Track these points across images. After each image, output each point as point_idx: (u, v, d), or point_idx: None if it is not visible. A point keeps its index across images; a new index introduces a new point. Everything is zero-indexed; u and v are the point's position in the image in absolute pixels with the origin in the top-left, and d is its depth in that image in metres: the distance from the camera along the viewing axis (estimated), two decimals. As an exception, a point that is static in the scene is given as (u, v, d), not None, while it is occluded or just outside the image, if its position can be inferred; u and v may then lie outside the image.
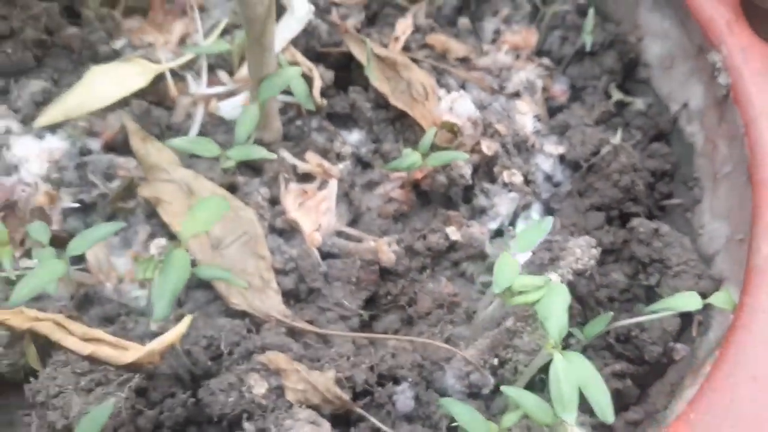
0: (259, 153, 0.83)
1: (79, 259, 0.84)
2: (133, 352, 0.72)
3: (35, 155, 0.90)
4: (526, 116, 1.03)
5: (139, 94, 0.98)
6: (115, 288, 0.84)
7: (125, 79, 0.97)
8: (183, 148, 0.83)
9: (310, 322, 0.85)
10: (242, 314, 0.83)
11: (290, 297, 0.87)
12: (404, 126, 1.02)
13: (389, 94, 1.01)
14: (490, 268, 0.95)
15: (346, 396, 0.76)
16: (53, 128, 0.94)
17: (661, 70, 1.12)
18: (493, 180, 0.99)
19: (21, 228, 0.87)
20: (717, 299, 0.80)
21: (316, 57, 1.06)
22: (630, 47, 1.12)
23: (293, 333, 0.83)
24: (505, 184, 0.98)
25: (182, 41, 1.07)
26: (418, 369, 0.81)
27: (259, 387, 0.73)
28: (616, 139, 1.01)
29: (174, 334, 0.72)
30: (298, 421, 0.70)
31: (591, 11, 1.08)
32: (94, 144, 0.94)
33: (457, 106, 1.00)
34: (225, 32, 1.07)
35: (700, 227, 0.98)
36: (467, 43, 1.13)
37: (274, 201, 0.92)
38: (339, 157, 0.98)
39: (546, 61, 1.12)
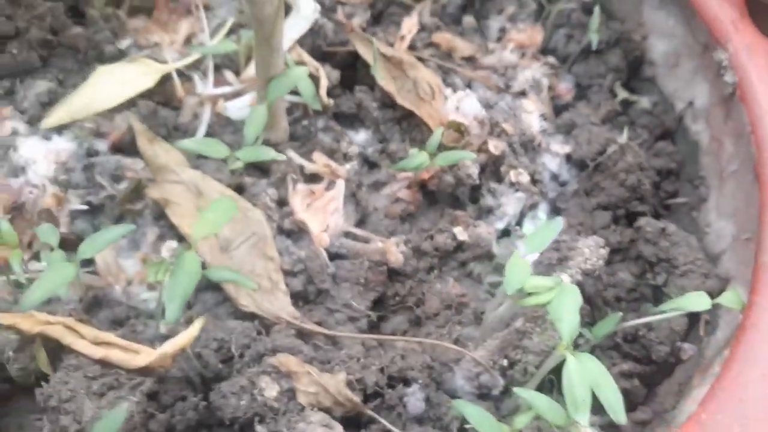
0: (268, 154, 0.83)
1: (87, 261, 0.84)
2: (144, 356, 0.72)
3: (42, 157, 0.90)
4: (533, 115, 1.03)
5: (146, 95, 0.97)
6: (124, 290, 0.84)
7: (131, 79, 0.96)
8: (192, 150, 0.83)
9: (319, 324, 0.85)
10: (251, 316, 0.83)
11: (299, 298, 0.87)
12: (411, 125, 1.02)
13: (396, 93, 1.01)
14: (497, 269, 0.95)
15: (357, 398, 0.76)
16: (60, 129, 0.94)
17: (666, 69, 1.12)
18: (499, 179, 0.99)
19: (29, 230, 0.87)
20: (726, 299, 0.80)
21: (321, 56, 1.06)
22: (635, 45, 1.12)
23: (302, 335, 0.83)
24: (511, 184, 0.98)
25: (188, 41, 1.06)
26: (428, 370, 0.81)
27: (270, 390, 0.73)
28: (623, 138, 1.01)
29: (186, 337, 0.72)
30: (311, 424, 0.70)
31: (597, 9, 1.08)
32: (101, 145, 0.94)
33: (464, 106, 1.00)
34: (231, 32, 1.07)
35: (706, 226, 0.98)
36: (473, 42, 1.12)
37: (282, 202, 0.92)
38: (346, 157, 0.98)
39: (551, 59, 1.12)
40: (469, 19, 1.16)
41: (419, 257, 0.93)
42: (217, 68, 1.02)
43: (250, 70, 1.02)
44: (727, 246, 0.93)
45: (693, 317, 0.90)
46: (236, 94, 1.00)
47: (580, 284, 0.85)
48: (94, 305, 0.84)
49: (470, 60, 1.10)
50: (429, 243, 0.93)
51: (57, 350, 0.75)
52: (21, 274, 0.76)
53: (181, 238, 0.87)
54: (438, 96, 1.00)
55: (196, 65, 1.02)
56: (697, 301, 0.78)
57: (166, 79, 0.99)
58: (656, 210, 1.03)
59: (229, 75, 1.02)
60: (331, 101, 1.01)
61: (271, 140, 0.96)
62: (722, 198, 0.97)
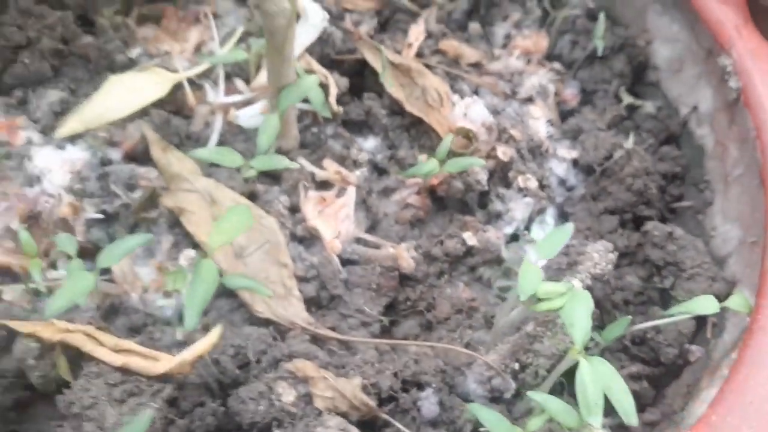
0: (282, 163, 0.84)
1: (103, 270, 0.85)
2: (164, 363, 0.73)
3: (57, 166, 0.91)
4: (539, 121, 1.04)
5: (158, 104, 0.98)
6: (141, 298, 0.85)
7: (144, 88, 0.97)
8: (207, 159, 0.85)
9: (333, 329, 0.87)
10: (266, 322, 0.84)
11: (312, 304, 0.89)
12: (419, 132, 1.03)
13: (404, 100, 1.02)
14: (506, 273, 0.97)
15: (373, 402, 0.77)
16: (73, 138, 0.95)
17: (670, 73, 1.13)
18: (508, 185, 1.00)
19: (45, 239, 0.88)
20: (733, 302, 0.81)
21: (330, 64, 1.07)
22: (639, 51, 1.14)
23: (316, 340, 0.84)
24: (520, 189, 0.99)
25: (198, 49, 1.07)
26: (441, 374, 0.82)
27: (287, 395, 0.74)
28: (629, 143, 1.03)
29: (205, 343, 0.73)
30: (329, 429, 0.71)
31: (602, 16, 1.09)
32: (115, 154, 0.95)
33: (471, 112, 1.02)
34: (240, 40, 1.08)
35: (712, 229, 0.99)
36: (479, 48, 1.14)
37: (294, 209, 0.93)
38: (356, 164, 1.00)
39: (557, 65, 1.13)
40: (474, 26, 1.17)
41: (430, 262, 0.94)
42: (228, 77, 1.04)
43: (261, 78, 1.03)
44: (733, 249, 0.94)
45: (700, 320, 0.91)
46: (247, 103, 1.01)
47: (589, 288, 0.87)
48: (111, 313, 0.85)
49: (476, 66, 1.12)
50: (439, 248, 0.94)
51: (77, 358, 0.77)
52: (41, 283, 0.77)
53: (195, 246, 0.88)
54: (446, 103, 1.01)
55: (207, 74, 1.03)
56: (706, 304, 0.79)
57: (177, 87, 1.00)
58: (662, 214, 1.04)
59: (239, 83, 1.03)
60: (341, 109, 1.02)
61: (282, 148, 0.97)
62: (727, 202, 0.98)
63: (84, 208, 0.89)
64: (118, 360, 0.73)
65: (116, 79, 0.99)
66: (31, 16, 1.05)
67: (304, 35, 1.03)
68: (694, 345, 0.91)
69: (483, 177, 0.97)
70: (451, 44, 1.11)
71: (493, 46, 1.16)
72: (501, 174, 1.00)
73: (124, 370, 0.74)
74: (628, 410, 0.68)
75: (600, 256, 0.86)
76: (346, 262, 0.92)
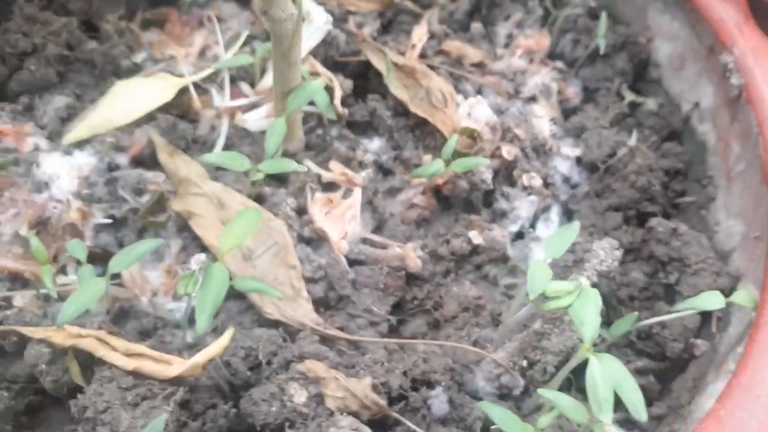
0: (290, 166, 0.85)
1: (113, 274, 0.85)
2: (177, 366, 0.74)
3: (65, 172, 0.92)
4: (543, 120, 1.05)
5: (164, 108, 0.99)
6: (150, 301, 0.86)
7: (150, 93, 0.98)
8: (216, 163, 0.85)
9: (341, 329, 0.87)
10: (275, 323, 0.85)
11: (320, 305, 0.89)
12: (424, 133, 1.04)
13: (409, 101, 1.03)
14: (512, 271, 0.97)
15: (383, 402, 0.78)
16: (80, 144, 0.96)
17: (672, 71, 1.14)
18: (512, 183, 1.01)
19: (54, 244, 0.89)
20: (739, 297, 0.82)
21: (334, 66, 1.08)
22: (640, 48, 1.15)
23: (326, 340, 0.85)
24: (524, 188, 1.00)
25: (202, 53, 1.08)
26: (450, 373, 0.83)
27: (299, 396, 0.75)
28: (632, 140, 1.03)
29: (218, 346, 0.74)
30: (342, 429, 0.71)
31: (604, 15, 1.10)
32: (122, 159, 0.95)
33: (475, 112, 1.02)
34: (244, 43, 1.08)
35: (715, 224, 1.00)
36: (481, 48, 1.14)
37: (301, 211, 0.94)
38: (361, 165, 1.00)
39: (559, 64, 1.14)
40: (477, 26, 1.18)
41: (436, 261, 0.95)
42: (233, 80, 1.04)
43: (266, 82, 1.04)
44: (736, 244, 0.95)
45: (705, 314, 0.92)
46: (253, 106, 1.01)
47: (595, 285, 0.87)
48: (121, 317, 0.86)
49: (479, 66, 1.12)
50: (445, 247, 0.94)
51: (88, 362, 0.77)
52: (53, 289, 0.78)
53: (204, 249, 0.89)
54: (450, 103, 1.02)
55: (212, 78, 1.04)
56: (711, 300, 0.80)
57: (182, 92, 1.01)
58: (665, 210, 1.05)
59: (244, 87, 1.03)
60: (346, 111, 1.02)
61: (289, 150, 0.98)
62: (730, 197, 0.99)
63: (92, 214, 0.90)
64: (130, 364, 0.74)
65: (122, 85, 1.00)
66: (36, 23, 1.06)
67: (309, 38, 1.03)
68: (699, 339, 0.92)
69: (488, 176, 0.98)
70: (454, 45, 1.11)
71: (496, 46, 1.17)
72: (506, 173, 1.01)
73: (137, 374, 0.74)
74: (638, 406, 0.69)
75: (606, 253, 0.87)
76: (353, 262, 0.93)
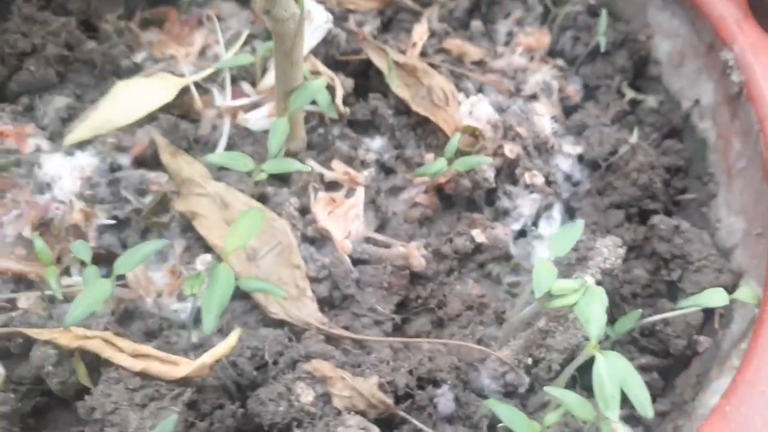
0: (294, 166, 0.85)
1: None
2: (184, 367, 0.74)
3: (67, 173, 0.91)
4: (544, 118, 1.05)
5: (165, 108, 0.99)
6: (155, 302, 0.86)
7: (151, 93, 0.98)
8: (219, 164, 0.85)
9: (346, 328, 0.87)
10: (280, 323, 0.85)
11: (325, 304, 0.89)
12: (426, 131, 1.04)
13: (410, 100, 1.03)
14: (515, 269, 0.98)
15: (390, 400, 0.78)
16: (82, 145, 0.95)
17: (671, 68, 1.14)
18: (515, 182, 1.01)
19: (57, 245, 0.88)
20: (742, 294, 0.83)
21: (335, 65, 1.08)
22: (640, 46, 1.15)
23: (331, 340, 0.85)
24: (526, 186, 1.00)
25: (203, 52, 1.08)
26: (456, 371, 0.83)
27: (306, 395, 0.75)
28: (633, 138, 1.04)
29: (225, 347, 0.74)
30: (350, 428, 0.72)
31: (604, 12, 1.10)
32: (124, 159, 0.95)
33: (477, 110, 1.02)
34: (244, 42, 1.08)
35: (717, 221, 1.01)
36: (481, 46, 1.15)
37: (304, 210, 0.94)
38: (363, 164, 1.00)
39: (560, 61, 1.14)
40: (477, 24, 1.18)
41: (439, 260, 0.95)
42: (234, 80, 1.04)
43: (266, 81, 1.04)
44: (738, 241, 0.95)
45: (708, 311, 0.92)
46: (254, 106, 1.01)
47: (598, 283, 0.88)
48: (126, 317, 0.86)
49: (480, 64, 1.13)
50: (448, 246, 0.95)
51: (95, 363, 0.77)
52: (58, 291, 0.78)
53: (208, 250, 0.89)
54: (452, 102, 1.02)
55: (213, 77, 1.04)
56: (715, 297, 0.80)
57: (183, 92, 1.01)
58: (667, 207, 1.06)
59: (245, 86, 1.03)
60: (347, 110, 1.02)
61: (291, 150, 0.97)
62: (731, 194, 1.00)
63: (95, 214, 0.90)
64: (137, 365, 0.74)
65: (123, 85, 1.00)
66: (35, 23, 1.05)
67: (309, 37, 1.03)
68: (702, 336, 0.92)
69: (490, 174, 0.98)
70: (455, 43, 1.11)
71: (496, 44, 1.17)
72: (508, 171, 1.01)
73: (144, 375, 0.74)
74: (644, 404, 0.70)
75: (609, 251, 0.87)
76: (356, 261, 0.93)
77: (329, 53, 1.07)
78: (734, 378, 0.75)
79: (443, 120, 1.01)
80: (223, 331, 0.82)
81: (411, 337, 0.91)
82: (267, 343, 0.80)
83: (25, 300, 0.83)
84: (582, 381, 0.86)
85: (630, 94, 1.14)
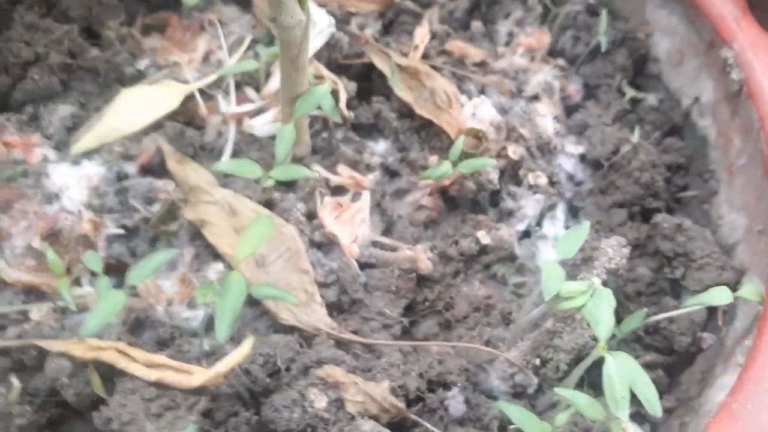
0: (301, 173, 0.86)
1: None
2: (199, 376, 0.74)
3: (75, 182, 0.92)
4: (546, 118, 1.06)
5: (170, 115, 0.99)
6: (166, 311, 0.86)
7: (156, 101, 0.98)
8: (228, 172, 0.86)
9: (355, 332, 0.88)
10: (291, 329, 0.86)
11: (333, 309, 0.90)
12: (429, 134, 1.05)
13: (414, 103, 1.03)
14: (520, 269, 0.99)
15: (402, 404, 0.79)
16: (88, 154, 0.96)
17: (671, 66, 1.15)
18: (518, 183, 1.02)
19: (66, 255, 0.89)
20: (745, 292, 0.84)
21: (338, 69, 1.08)
22: (640, 44, 1.16)
23: (340, 344, 0.86)
24: (530, 186, 1.01)
25: (206, 58, 1.08)
26: (465, 373, 0.84)
27: (319, 401, 0.76)
28: (635, 137, 1.05)
29: (239, 355, 0.75)
30: (364, 433, 0.73)
31: (604, 12, 1.11)
32: (131, 168, 0.95)
33: (480, 112, 1.03)
34: (246, 47, 1.09)
35: (718, 218, 1.02)
36: (482, 47, 1.15)
37: (311, 215, 0.95)
38: (368, 168, 1.01)
39: (561, 61, 1.15)
40: (477, 24, 1.19)
41: (445, 262, 0.96)
42: (238, 85, 1.04)
43: (270, 86, 1.04)
44: (740, 238, 0.97)
45: (711, 308, 0.93)
46: (259, 111, 1.02)
47: (604, 283, 0.89)
48: (137, 327, 0.86)
49: (481, 65, 1.13)
50: (454, 248, 0.96)
51: (109, 374, 0.78)
52: (71, 302, 0.78)
53: (216, 257, 0.90)
54: (455, 104, 1.03)
55: (217, 83, 1.04)
56: (719, 295, 0.82)
57: (188, 98, 1.01)
58: (668, 204, 1.07)
59: (250, 92, 1.04)
60: (351, 114, 1.03)
61: (296, 155, 0.98)
62: (732, 191, 1.01)
63: (104, 224, 0.90)
64: (152, 375, 0.75)
65: (128, 93, 1.00)
66: (37, 31, 1.05)
67: (313, 42, 1.03)
68: (706, 333, 0.94)
69: (495, 176, 0.99)
70: (457, 44, 1.12)
71: (497, 45, 1.17)
72: (511, 172, 1.02)
73: (159, 385, 0.75)
74: (652, 402, 0.71)
75: (614, 251, 0.88)
76: (364, 265, 0.94)
77: (332, 57, 1.08)
78: (740, 376, 0.76)
79: (447, 122, 1.01)
80: (234, 339, 0.83)
81: (419, 339, 0.92)
82: (279, 350, 0.81)
83: (37, 312, 0.84)
84: (589, 380, 0.87)
85: (630, 92, 1.15)
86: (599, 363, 0.73)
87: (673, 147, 1.09)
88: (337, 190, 0.99)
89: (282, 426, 0.75)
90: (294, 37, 0.81)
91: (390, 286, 0.92)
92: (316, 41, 1.04)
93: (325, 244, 0.94)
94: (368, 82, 1.10)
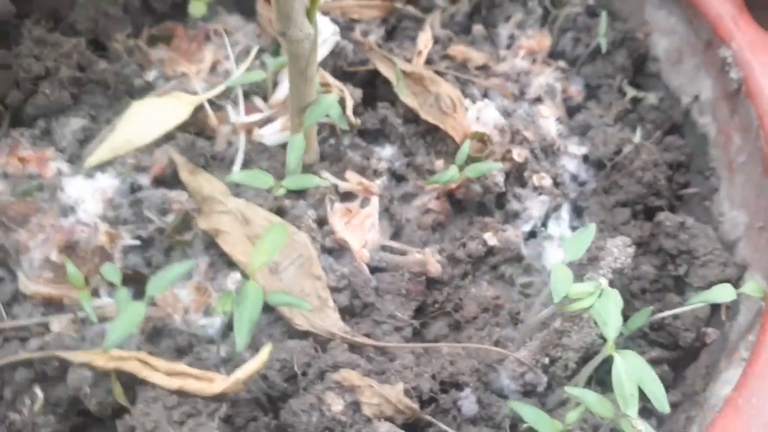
0: (313, 182, 0.88)
1: (142, 294, 0.88)
2: (219, 383, 0.76)
3: (90, 195, 0.93)
4: (549, 120, 1.08)
5: (181, 126, 1.01)
6: (183, 319, 0.88)
7: (166, 113, 1.00)
8: (241, 182, 0.88)
9: (368, 336, 0.90)
10: (305, 334, 0.88)
11: (346, 313, 0.92)
12: (435, 139, 1.06)
13: (419, 108, 1.05)
14: (527, 270, 1.01)
15: (416, 405, 0.81)
16: (102, 166, 0.97)
17: (670, 65, 1.17)
18: (523, 184, 1.04)
19: (83, 267, 0.90)
20: (748, 288, 0.86)
21: (343, 76, 1.10)
22: (639, 44, 1.18)
23: (354, 348, 0.88)
24: (535, 188, 1.03)
25: (213, 68, 1.10)
26: (476, 374, 0.86)
27: (336, 404, 0.78)
28: (637, 137, 1.07)
29: (257, 362, 0.77)
30: (381, 435, 0.75)
31: (604, 15, 1.13)
32: (144, 179, 0.97)
33: (484, 116, 1.05)
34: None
35: (719, 215, 1.04)
36: (484, 51, 1.17)
37: (321, 222, 0.97)
38: (376, 173, 1.03)
39: (561, 63, 1.17)
40: (478, 28, 1.20)
41: (454, 264, 0.98)
42: (246, 95, 1.06)
43: (278, 95, 1.06)
44: (741, 234, 0.99)
45: (715, 304, 0.95)
46: (267, 120, 1.03)
47: (610, 282, 0.91)
48: (154, 335, 0.88)
49: (484, 68, 1.15)
50: (462, 250, 0.98)
51: (130, 383, 0.80)
52: (92, 314, 0.80)
53: (231, 265, 0.92)
54: (459, 108, 1.04)
55: (225, 93, 1.06)
56: (723, 293, 0.84)
57: (198, 109, 1.03)
58: (670, 202, 1.09)
59: (258, 101, 1.05)
60: (358, 120, 1.05)
61: (305, 162, 1.00)
62: (733, 188, 1.03)
63: (120, 236, 0.92)
64: (173, 383, 0.77)
65: (138, 105, 1.02)
66: (46, 46, 1.07)
67: (318, 51, 1.05)
68: (709, 328, 0.96)
69: (500, 179, 1.01)
70: (459, 49, 1.14)
71: (498, 48, 1.19)
72: (516, 174, 1.04)
73: (180, 393, 0.77)
74: (660, 399, 0.73)
75: (619, 250, 0.90)
76: (374, 269, 0.96)
77: (337, 65, 1.10)
78: (744, 371, 0.78)
79: (452, 127, 1.03)
80: (250, 345, 0.84)
81: (430, 340, 0.94)
82: (295, 355, 0.83)
83: (58, 323, 0.86)
84: (596, 377, 0.89)
85: (631, 92, 1.17)
86: (606, 360, 0.76)
87: (674, 145, 1.11)
88: (346, 196, 1.01)
89: (301, 429, 0.77)
90: (303, 50, 0.83)
91: (400, 289, 0.94)
92: (321, 50, 1.06)
93: (336, 250, 0.96)
94: (373, 88, 1.12)
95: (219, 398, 0.78)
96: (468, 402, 0.83)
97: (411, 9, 1.20)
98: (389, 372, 0.84)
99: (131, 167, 0.97)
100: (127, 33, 1.16)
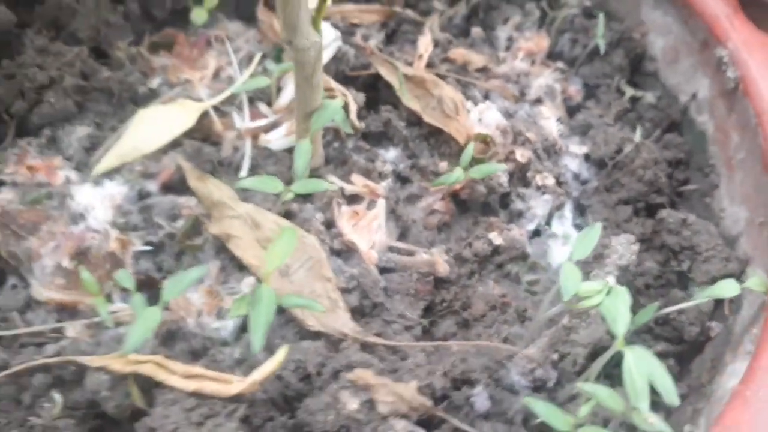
0: (321, 186, 0.89)
1: (155, 299, 0.89)
2: (237, 385, 0.77)
3: (99, 202, 0.94)
4: (550, 120, 1.10)
5: (187, 133, 1.02)
6: (197, 322, 0.89)
7: (172, 120, 1.01)
8: (251, 188, 0.89)
9: (378, 335, 0.92)
10: (317, 335, 0.89)
11: (356, 313, 0.93)
12: (438, 141, 1.08)
13: (421, 111, 1.07)
14: (532, 267, 1.02)
15: (429, 402, 0.82)
16: (110, 174, 0.98)
17: (666, 64, 1.19)
18: (527, 184, 1.05)
19: (95, 273, 0.91)
20: (751, 283, 0.88)
21: (345, 80, 1.11)
22: (636, 43, 1.20)
23: (366, 347, 0.89)
24: (538, 187, 1.05)
25: (216, 75, 1.11)
26: (487, 370, 0.88)
27: (352, 403, 0.79)
28: (637, 136, 1.08)
29: (274, 363, 0.78)
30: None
31: (601, 16, 1.15)
32: (152, 186, 0.98)
33: (486, 117, 1.07)
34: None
35: (720, 211, 1.06)
36: (483, 53, 1.19)
37: (329, 224, 0.98)
38: (381, 176, 1.04)
39: (560, 64, 1.19)
40: (477, 30, 1.22)
41: (460, 264, 0.99)
42: (250, 101, 1.07)
43: (282, 100, 1.07)
44: (742, 229, 1.01)
45: (718, 298, 0.97)
46: (272, 125, 1.05)
47: (616, 279, 0.93)
48: (168, 339, 0.89)
49: (484, 71, 1.17)
50: (468, 250, 0.99)
51: (147, 385, 0.81)
52: (108, 319, 0.81)
53: (242, 269, 0.93)
54: (462, 111, 1.06)
55: (230, 99, 1.07)
56: (727, 288, 0.86)
57: (203, 115, 1.04)
58: (671, 199, 1.11)
59: (262, 107, 1.07)
60: (362, 124, 1.06)
61: (311, 166, 1.01)
62: (733, 185, 1.05)
63: (131, 242, 0.93)
64: (190, 386, 0.78)
65: (144, 113, 1.02)
66: (49, 55, 1.08)
67: (321, 56, 1.06)
68: (713, 321, 0.98)
69: (504, 180, 1.02)
70: (459, 52, 1.15)
71: (497, 50, 1.21)
72: (520, 174, 1.06)
73: (197, 395, 0.78)
74: (670, 393, 0.74)
75: (624, 248, 0.92)
76: (383, 270, 0.97)
77: (339, 69, 1.11)
78: (750, 364, 0.80)
79: (455, 129, 1.05)
80: (263, 346, 0.86)
81: (439, 339, 0.95)
82: (309, 356, 0.84)
83: (72, 329, 0.87)
84: (604, 371, 0.91)
85: (629, 91, 1.19)
86: (614, 355, 0.77)
87: (673, 143, 1.13)
88: (353, 199, 1.02)
89: (318, 428, 0.78)
90: (308, 58, 0.85)
91: (409, 289, 0.95)
92: (324, 55, 1.07)
93: (345, 252, 0.97)
94: (375, 91, 1.13)
95: (236, 399, 0.78)
96: (480, 398, 0.85)
97: (410, 13, 1.22)
98: (402, 370, 0.85)
99: (139, 174, 0.98)
100: (128, 41, 1.17)
